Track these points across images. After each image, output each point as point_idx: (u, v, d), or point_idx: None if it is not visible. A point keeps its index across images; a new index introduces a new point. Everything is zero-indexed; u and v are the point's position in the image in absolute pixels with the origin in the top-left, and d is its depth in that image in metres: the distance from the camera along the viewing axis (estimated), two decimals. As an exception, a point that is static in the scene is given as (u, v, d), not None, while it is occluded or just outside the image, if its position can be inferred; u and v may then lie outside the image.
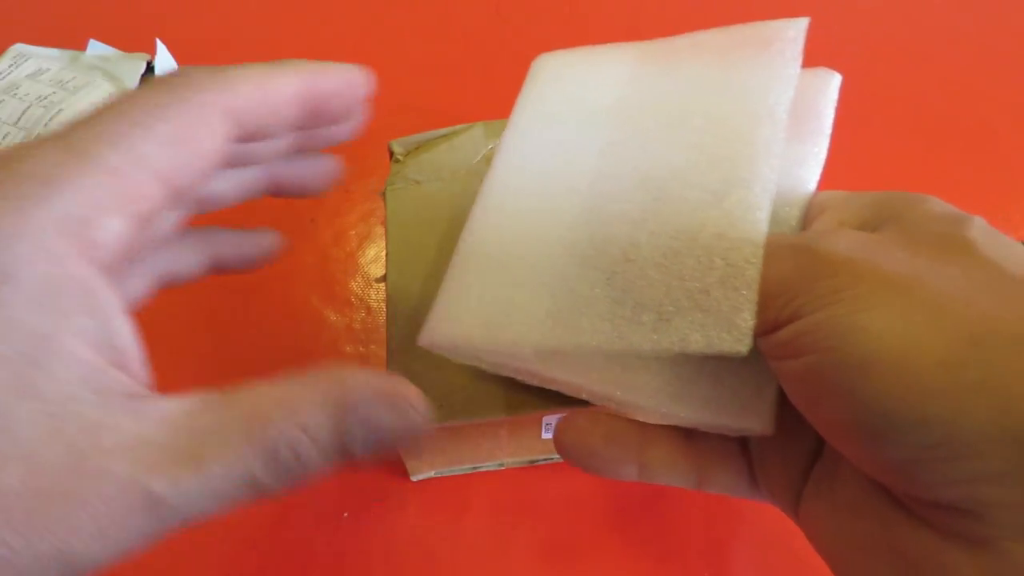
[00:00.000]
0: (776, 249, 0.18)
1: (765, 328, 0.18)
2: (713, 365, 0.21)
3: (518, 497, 0.33)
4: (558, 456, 0.34)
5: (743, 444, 0.22)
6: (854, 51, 0.51)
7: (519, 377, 0.24)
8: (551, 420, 0.29)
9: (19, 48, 0.48)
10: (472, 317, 0.23)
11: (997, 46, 0.51)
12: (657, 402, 0.21)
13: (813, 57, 0.56)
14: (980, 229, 0.17)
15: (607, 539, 0.32)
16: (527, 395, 0.27)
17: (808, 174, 0.23)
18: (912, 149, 0.45)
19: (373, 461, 0.33)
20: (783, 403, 0.20)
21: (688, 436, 0.22)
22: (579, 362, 0.22)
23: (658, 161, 0.22)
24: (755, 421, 0.20)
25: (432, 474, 0.33)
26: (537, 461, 0.34)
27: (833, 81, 0.25)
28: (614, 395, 0.22)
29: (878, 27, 0.52)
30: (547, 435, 0.30)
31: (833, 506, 0.19)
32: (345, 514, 0.33)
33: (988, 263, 0.16)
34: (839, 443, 0.17)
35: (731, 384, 0.20)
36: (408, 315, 0.29)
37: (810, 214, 0.22)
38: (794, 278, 0.17)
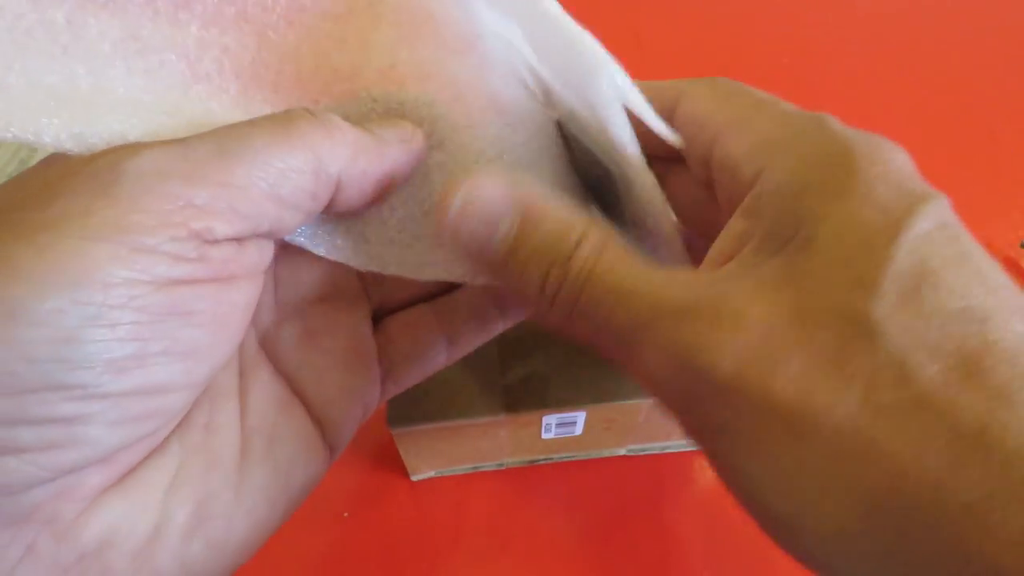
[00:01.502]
0: (657, 345, 0.15)
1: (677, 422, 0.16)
2: None
3: (518, 497, 0.33)
4: (558, 456, 0.34)
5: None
6: (854, 51, 0.51)
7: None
8: (551, 420, 0.29)
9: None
10: None
11: (997, 46, 0.51)
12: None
13: (814, 57, 0.56)
14: (894, 290, 0.13)
15: (607, 539, 0.32)
16: (527, 395, 0.28)
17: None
18: (912, 149, 0.45)
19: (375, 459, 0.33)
20: None
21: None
22: None
23: None
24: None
25: (432, 474, 0.34)
26: (537, 461, 0.34)
27: None
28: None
29: (878, 27, 0.52)
30: (547, 435, 0.30)
31: None
32: (345, 514, 0.33)
33: (890, 373, 0.12)
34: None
35: None
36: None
37: (731, 193, 0.17)
38: (677, 395, 0.15)
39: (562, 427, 0.30)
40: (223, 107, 0.18)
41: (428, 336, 0.21)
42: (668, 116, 0.18)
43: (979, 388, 0.12)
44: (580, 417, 0.29)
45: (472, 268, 0.19)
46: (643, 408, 0.29)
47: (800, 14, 0.53)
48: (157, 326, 0.14)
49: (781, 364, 0.13)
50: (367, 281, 0.21)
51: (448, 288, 0.22)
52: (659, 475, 0.34)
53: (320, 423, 0.19)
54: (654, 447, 0.34)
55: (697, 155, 0.18)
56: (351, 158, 0.16)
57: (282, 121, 0.16)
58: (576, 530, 0.32)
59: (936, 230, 0.14)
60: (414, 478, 0.33)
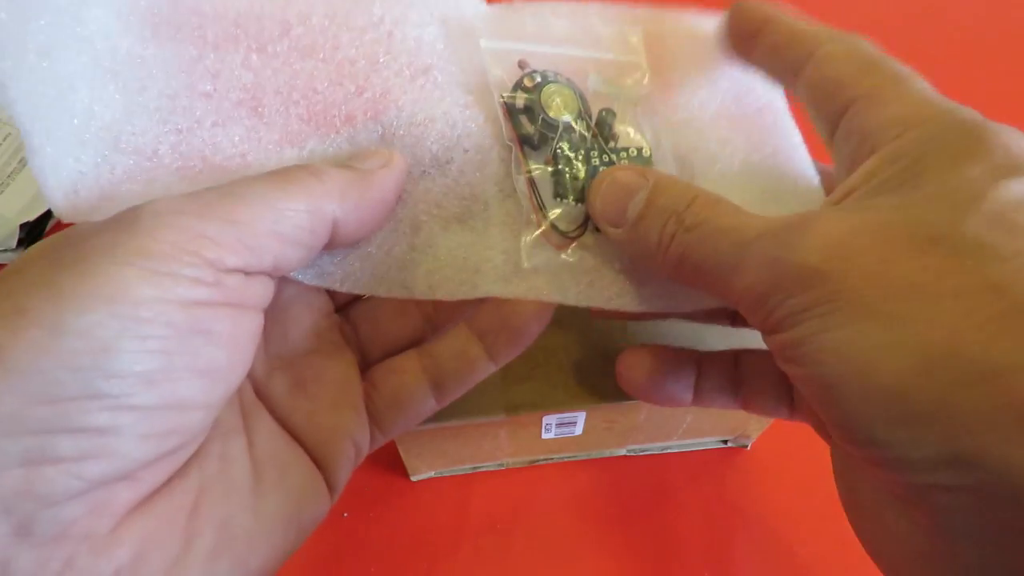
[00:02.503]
0: (757, 253, 0.17)
1: (760, 329, 0.18)
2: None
3: (518, 497, 0.33)
4: (558, 456, 0.34)
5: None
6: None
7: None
8: (551, 420, 0.29)
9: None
10: None
11: (997, 46, 0.51)
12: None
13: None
14: (983, 216, 0.15)
15: (607, 539, 0.32)
16: (527, 395, 0.28)
17: None
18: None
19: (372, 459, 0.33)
20: None
21: (736, 357, 0.24)
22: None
23: None
24: (707, 300, 0.21)
25: (432, 474, 0.34)
26: (537, 461, 0.34)
27: None
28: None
29: (878, 27, 0.52)
30: (547, 435, 0.30)
31: None
32: (345, 514, 0.33)
33: (980, 272, 0.14)
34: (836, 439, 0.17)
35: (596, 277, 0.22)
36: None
37: (860, 152, 0.19)
38: (770, 291, 0.17)
39: (562, 427, 0.30)
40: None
41: (411, 382, 0.22)
42: (798, 65, 0.21)
43: None
44: (580, 417, 0.29)
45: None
46: (643, 408, 0.29)
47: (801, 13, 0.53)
48: (182, 342, 0.15)
49: (861, 255, 0.16)
50: (350, 334, 0.23)
51: (429, 335, 0.23)
52: (659, 475, 0.34)
53: (318, 463, 0.20)
54: (654, 447, 0.34)
55: (826, 115, 0.20)
56: (341, 194, 0.18)
57: (280, 172, 0.18)
58: (576, 530, 0.32)
59: None
60: (414, 478, 0.33)
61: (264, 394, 0.20)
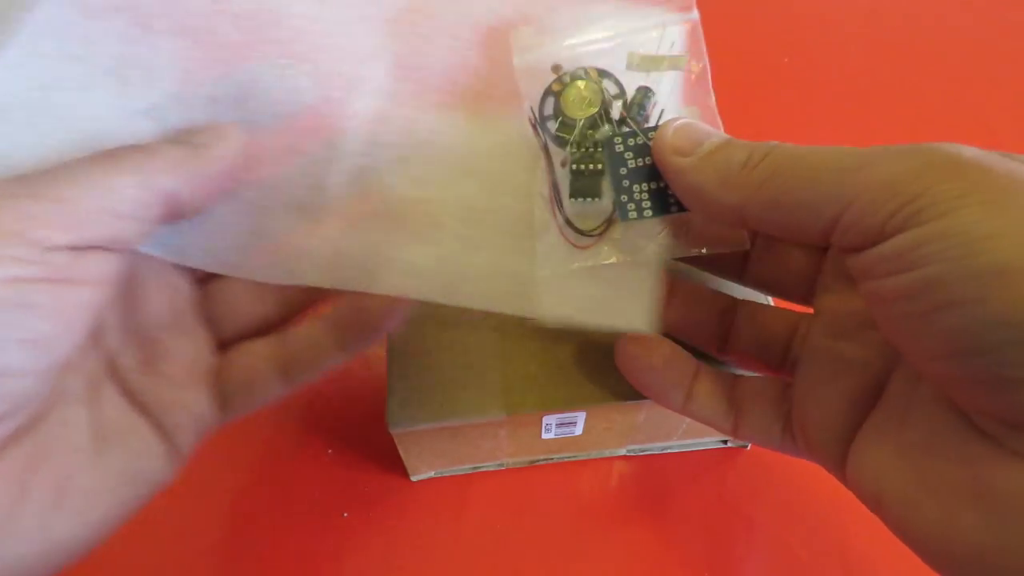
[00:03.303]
0: (890, 153, 0.16)
1: (866, 240, 0.16)
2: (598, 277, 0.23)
3: (518, 497, 0.33)
4: (558, 456, 0.34)
5: (783, 394, 0.23)
6: (854, 51, 0.51)
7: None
8: (551, 420, 0.29)
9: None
10: None
11: (997, 46, 0.51)
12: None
13: (815, 58, 0.56)
14: None
15: (607, 539, 0.32)
16: (527, 395, 0.28)
17: None
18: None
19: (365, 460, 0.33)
20: (818, 357, 0.21)
21: (735, 379, 0.24)
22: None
23: None
24: (639, 323, 0.22)
25: (432, 474, 0.34)
26: (537, 461, 0.34)
27: None
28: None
29: (878, 27, 0.52)
30: (547, 435, 0.30)
31: (900, 448, 0.18)
32: (345, 514, 0.33)
33: None
34: (940, 365, 0.16)
35: (611, 292, 0.23)
36: (408, 315, 0.29)
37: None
38: (911, 180, 0.15)
39: (562, 427, 0.30)
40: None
41: (260, 366, 0.23)
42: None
43: None
44: (580, 417, 0.29)
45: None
46: (643, 408, 0.29)
47: (801, 13, 0.53)
48: (4, 315, 0.17)
49: (1012, 161, 0.15)
50: (209, 312, 0.24)
51: (287, 321, 0.24)
52: (659, 475, 0.34)
53: (163, 432, 0.22)
54: (654, 447, 0.34)
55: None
56: (174, 168, 0.19)
57: (110, 151, 0.19)
58: (576, 530, 0.32)
59: None
60: (414, 478, 0.33)
61: (115, 365, 0.22)
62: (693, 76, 0.24)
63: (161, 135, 0.21)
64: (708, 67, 0.24)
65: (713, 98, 0.24)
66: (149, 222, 0.19)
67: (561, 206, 0.23)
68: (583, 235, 0.23)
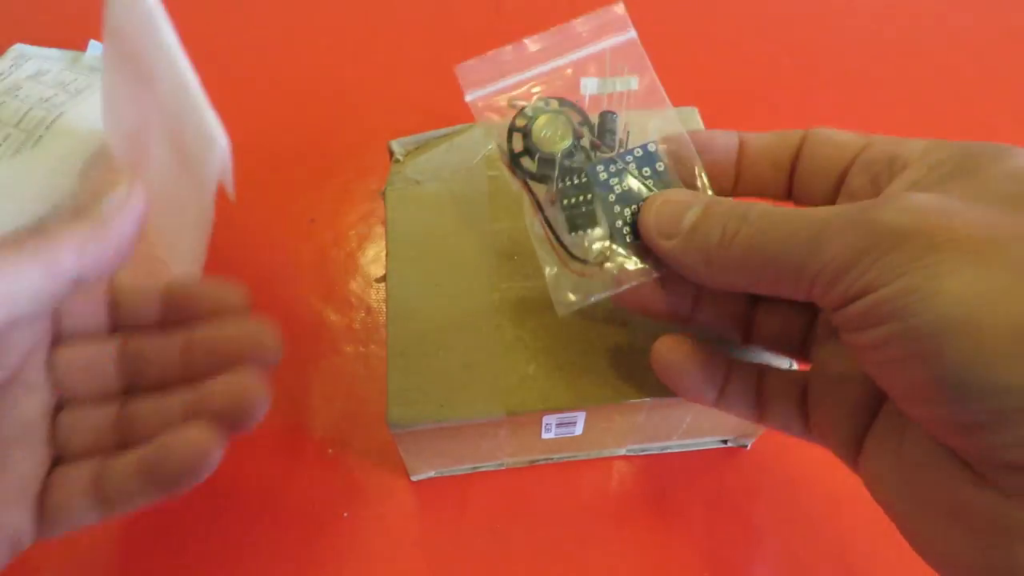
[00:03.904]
0: (840, 224, 0.18)
1: (836, 303, 0.18)
2: None
3: (518, 497, 0.33)
4: (558, 456, 0.34)
5: (804, 391, 0.24)
6: (854, 50, 0.51)
7: None
8: (551, 420, 0.29)
9: (19, 48, 0.48)
10: None
11: (997, 46, 0.51)
12: None
13: (815, 58, 0.56)
14: None
15: (607, 539, 0.32)
16: (527, 395, 0.28)
17: None
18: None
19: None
20: (825, 365, 0.23)
21: (761, 373, 0.25)
22: None
23: None
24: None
25: (432, 474, 0.34)
26: (537, 461, 0.34)
27: None
28: None
29: (878, 27, 0.52)
30: (547, 435, 0.30)
31: (898, 462, 0.19)
32: (345, 514, 0.33)
33: None
34: (912, 407, 0.17)
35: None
36: (408, 315, 0.29)
37: (892, 168, 0.21)
38: (859, 256, 0.17)
39: (562, 427, 0.30)
40: None
41: (75, 497, 0.21)
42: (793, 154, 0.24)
43: None
44: (580, 417, 0.29)
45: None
46: (643, 408, 0.29)
47: (801, 15, 0.53)
48: None
49: (959, 215, 0.16)
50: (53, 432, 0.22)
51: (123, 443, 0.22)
52: (659, 475, 0.34)
53: None
54: (654, 447, 0.34)
55: (830, 168, 0.23)
56: (79, 250, 0.19)
57: (12, 242, 0.19)
58: (576, 530, 0.32)
59: None
60: (414, 478, 0.33)
61: None
62: (643, 88, 0.25)
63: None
64: (655, 77, 0.25)
65: (668, 101, 0.25)
66: (55, 303, 0.19)
67: (560, 241, 0.23)
68: (588, 264, 0.23)
